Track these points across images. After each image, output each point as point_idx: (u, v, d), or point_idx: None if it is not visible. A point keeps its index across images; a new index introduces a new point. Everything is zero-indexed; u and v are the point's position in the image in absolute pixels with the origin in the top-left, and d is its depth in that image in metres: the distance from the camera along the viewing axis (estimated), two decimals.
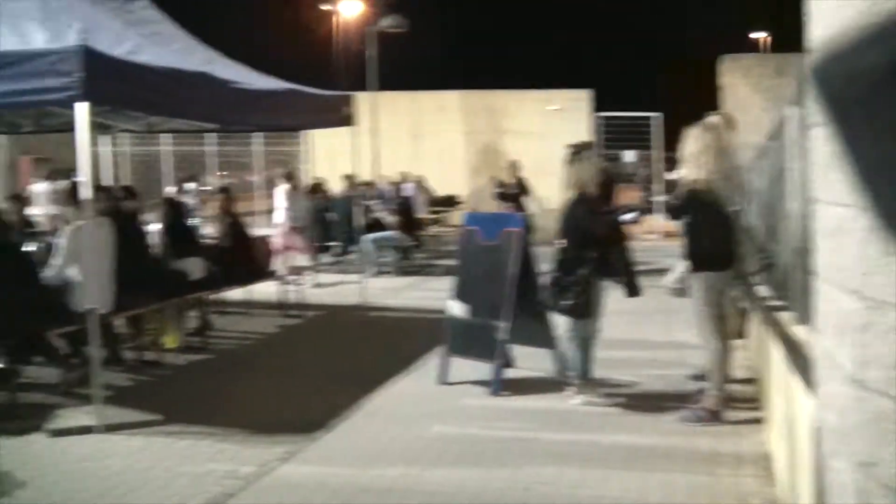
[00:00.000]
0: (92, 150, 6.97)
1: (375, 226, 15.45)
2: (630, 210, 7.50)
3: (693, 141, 6.67)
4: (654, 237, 19.57)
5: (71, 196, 8.30)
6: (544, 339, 7.92)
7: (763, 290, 6.84)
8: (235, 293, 11.16)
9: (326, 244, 16.21)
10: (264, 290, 11.40)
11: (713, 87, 20.09)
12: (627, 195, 21.04)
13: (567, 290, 7.07)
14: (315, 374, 8.52)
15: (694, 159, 6.61)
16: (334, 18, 34.25)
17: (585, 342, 7.22)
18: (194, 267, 9.58)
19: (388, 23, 19.70)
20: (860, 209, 2.04)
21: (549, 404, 7.22)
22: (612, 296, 7.34)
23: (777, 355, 5.31)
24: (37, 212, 13.40)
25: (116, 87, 6.96)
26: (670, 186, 23.02)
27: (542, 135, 20.37)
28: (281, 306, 11.38)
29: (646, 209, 6.97)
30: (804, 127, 3.64)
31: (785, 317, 5.23)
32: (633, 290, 7.32)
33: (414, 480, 5.57)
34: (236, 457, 6.04)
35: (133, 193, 10.02)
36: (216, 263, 10.10)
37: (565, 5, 61.83)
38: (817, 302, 2.57)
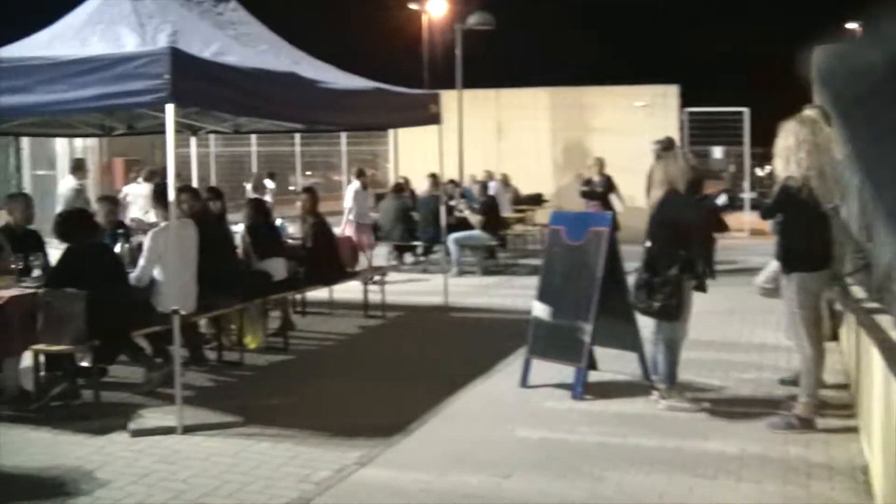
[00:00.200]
0: (180, 151, 7.02)
1: (460, 225, 15.36)
2: (720, 194, 7.21)
3: (787, 135, 6.38)
4: (742, 234, 19.17)
5: (156, 197, 8.39)
6: (629, 341, 7.74)
7: (860, 292, 6.56)
8: (319, 293, 11.17)
9: (410, 243, 16.19)
10: (347, 289, 11.39)
11: (806, 80, 19.47)
12: (716, 192, 20.65)
13: (656, 291, 6.85)
14: (395, 376, 8.46)
15: (788, 155, 6.34)
16: (423, 17, 34.32)
17: (672, 345, 7.01)
18: (278, 267, 9.62)
19: (475, 20, 19.67)
20: None
21: (634, 409, 7.04)
22: (698, 295, 7.10)
23: (875, 361, 5.07)
24: (134, 212, 13.66)
25: (203, 88, 6.97)
26: (759, 183, 22.60)
27: (628, 131, 20.02)
28: (363, 307, 11.36)
29: (734, 197, 6.69)
30: None
31: (883, 320, 4.99)
32: (699, 286, 7.03)
33: (494, 488, 5.44)
34: (313, 460, 5.99)
35: (219, 194, 10.11)
36: (300, 264, 10.14)
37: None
38: None
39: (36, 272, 7.81)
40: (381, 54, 38.17)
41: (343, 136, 23.62)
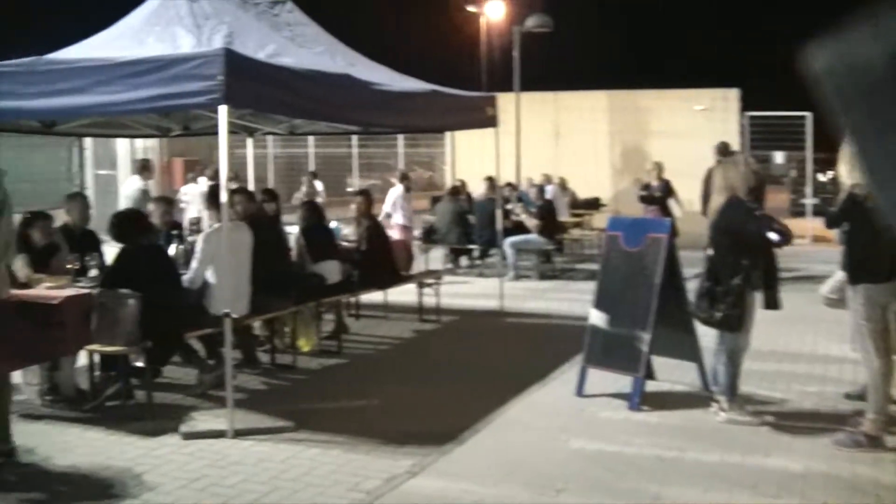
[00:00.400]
0: (237, 152, 6.99)
1: (516, 229, 15.22)
2: (776, 230, 6.91)
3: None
4: (804, 241, 18.75)
5: (208, 199, 8.38)
6: (688, 350, 7.55)
7: None
8: (373, 296, 11.11)
9: (466, 247, 16.08)
10: (402, 292, 11.31)
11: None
12: (776, 198, 20.24)
13: (719, 301, 6.65)
14: (448, 382, 8.34)
15: (854, 161, 6.12)
16: (481, 20, 34.21)
17: (734, 356, 6.80)
18: (332, 270, 9.57)
19: (533, 23, 19.54)
20: None
21: (693, 421, 6.84)
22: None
23: None
24: (192, 213, 13.72)
25: (257, 89, 6.96)
26: (821, 188, 22.12)
27: (687, 135, 19.72)
28: (418, 310, 11.27)
29: (790, 237, 6.38)
30: None
31: None
32: (772, 303, 6.79)
33: (547, 503, 5.31)
34: (364, 468, 5.90)
35: (274, 196, 10.09)
36: (354, 267, 10.08)
37: (712, 1, 60.23)
38: None
39: (92, 272, 7.83)
40: (440, 57, 38.17)
41: (400, 138, 23.60)
